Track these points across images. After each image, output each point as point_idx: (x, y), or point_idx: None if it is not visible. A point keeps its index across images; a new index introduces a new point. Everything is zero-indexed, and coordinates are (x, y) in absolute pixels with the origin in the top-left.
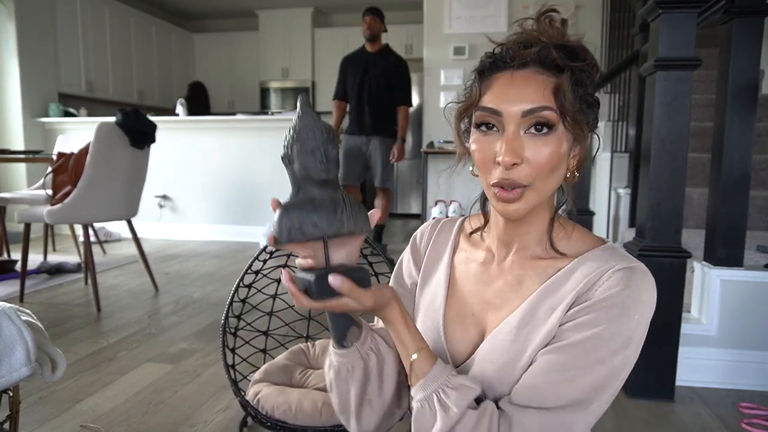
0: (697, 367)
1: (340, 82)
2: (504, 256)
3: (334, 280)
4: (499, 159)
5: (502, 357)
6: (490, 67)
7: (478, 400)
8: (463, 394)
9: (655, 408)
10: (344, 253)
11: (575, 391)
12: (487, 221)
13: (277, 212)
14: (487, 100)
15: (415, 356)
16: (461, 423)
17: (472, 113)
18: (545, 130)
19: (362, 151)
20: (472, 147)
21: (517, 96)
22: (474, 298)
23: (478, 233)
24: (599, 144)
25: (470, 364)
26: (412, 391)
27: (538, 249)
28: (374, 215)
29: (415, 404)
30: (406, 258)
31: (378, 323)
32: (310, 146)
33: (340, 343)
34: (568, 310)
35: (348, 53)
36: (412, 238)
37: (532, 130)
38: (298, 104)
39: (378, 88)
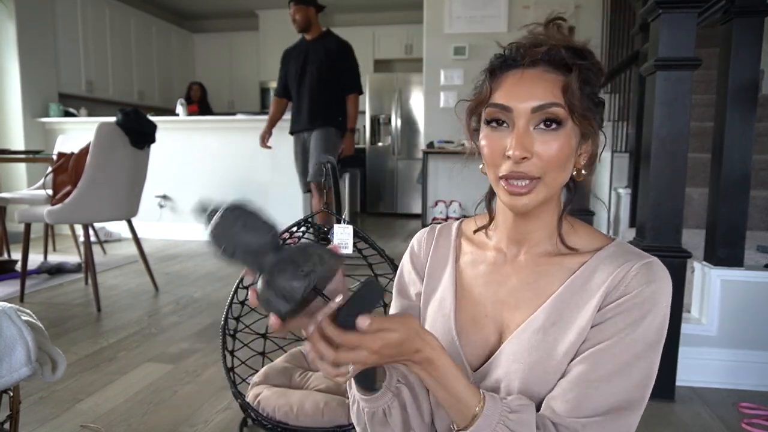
0: (697, 367)
1: (280, 78)
2: (515, 254)
3: (361, 321)
4: (509, 153)
5: (531, 356)
6: (500, 66)
7: None
8: (529, 414)
9: (655, 408)
10: (332, 288)
11: (624, 392)
12: (492, 219)
13: (259, 294)
14: (498, 97)
15: (479, 403)
16: None
17: (481, 111)
18: (554, 125)
19: (308, 147)
20: (482, 143)
21: (527, 93)
22: (486, 300)
23: (484, 233)
24: (605, 142)
25: (492, 366)
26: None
27: (549, 245)
28: (334, 250)
29: None
30: (407, 269)
31: None
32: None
33: (371, 388)
34: (599, 309)
35: (288, 47)
36: (409, 247)
37: (542, 125)
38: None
39: (320, 76)
